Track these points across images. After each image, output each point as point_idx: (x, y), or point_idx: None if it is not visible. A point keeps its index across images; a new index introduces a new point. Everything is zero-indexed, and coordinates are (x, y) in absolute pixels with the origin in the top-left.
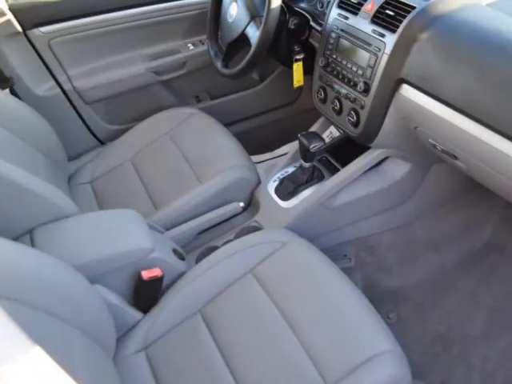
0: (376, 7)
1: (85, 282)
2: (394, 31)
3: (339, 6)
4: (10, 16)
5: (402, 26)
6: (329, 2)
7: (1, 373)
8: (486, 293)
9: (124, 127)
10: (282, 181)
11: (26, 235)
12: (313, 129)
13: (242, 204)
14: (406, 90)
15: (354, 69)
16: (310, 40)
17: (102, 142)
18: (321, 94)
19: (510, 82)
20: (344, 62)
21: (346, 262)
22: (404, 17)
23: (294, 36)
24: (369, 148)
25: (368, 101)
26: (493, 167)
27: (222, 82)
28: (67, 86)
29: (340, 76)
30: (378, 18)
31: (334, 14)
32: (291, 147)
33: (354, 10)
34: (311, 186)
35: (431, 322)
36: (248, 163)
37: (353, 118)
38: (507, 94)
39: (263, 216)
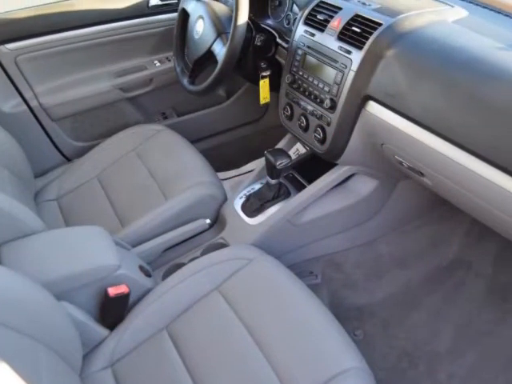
0: (342, 24)
1: (51, 298)
2: (360, 48)
3: (306, 23)
4: None
5: (368, 43)
6: (295, 19)
7: None
8: (452, 309)
9: (90, 144)
10: (248, 197)
11: None
12: (279, 145)
13: (208, 221)
14: (373, 107)
15: (321, 85)
16: (277, 57)
17: (69, 159)
18: (287, 111)
19: (476, 98)
20: (310, 79)
21: (313, 278)
22: (370, 34)
23: (260, 53)
24: (335, 165)
25: (334, 118)
26: (459, 184)
27: (189, 99)
28: (33, 103)
29: (306, 93)
30: (345, 35)
31: (301, 30)
32: (257, 164)
33: (321, 26)
34: (277, 202)
35: (397, 339)
36: (214, 180)
37: (319, 134)
38: (473, 111)
39: (230, 233)
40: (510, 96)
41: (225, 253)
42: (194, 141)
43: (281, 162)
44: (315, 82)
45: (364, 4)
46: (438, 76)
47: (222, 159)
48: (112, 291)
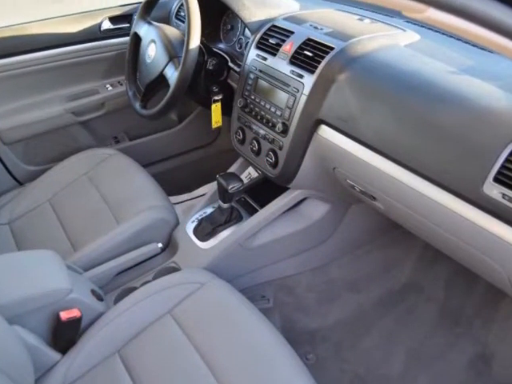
0: (294, 48)
1: (3, 322)
2: (312, 72)
3: (258, 47)
4: None
5: (320, 67)
6: (247, 43)
7: None
8: (404, 333)
9: (43, 168)
10: (200, 221)
11: None
12: (231, 169)
13: (160, 245)
14: (325, 131)
15: (273, 109)
16: (229, 81)
17: (21, 183)
18: (239, 135)
19: (427, 122)
20: (262, 103)
21: (265, 302)
22: (322, 58)
23: (212, 77)
24: (287, 189)
25: (286, 142)
26: (410, 207)
27: (141, 123)
28: None
29: (258, 117)
30: (297, 59)
31: (253, 54)
32: (210, 188)
33: (273, 50)
34: (229, 226)
35: (349, 363)
36: (166, 204)
37: (271, 158)
38: (424, 135)
39: (182, 257)
40: (461, 120)
41: (177, 277)
42: (146, 165)
43: (233, 186)
44: (267, 106)
45: (316, 28)
46: (390, 100)
47: (174, 183)
48: (64, 315)
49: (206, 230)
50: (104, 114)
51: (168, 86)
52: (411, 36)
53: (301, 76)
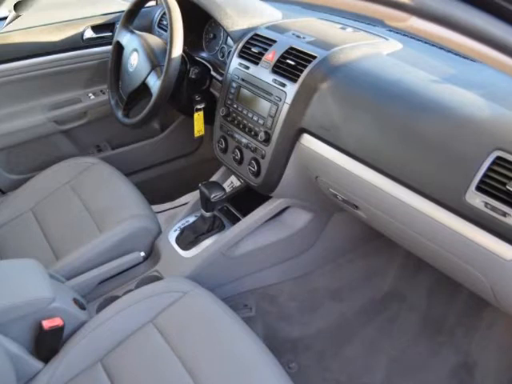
0: (277, 57)
1: None
2: (294, 81)
3: (240, 56)
4: None
5: (302, 76)
6: (230, 52)
7: None
8: (386, 342)
9: (25, 177)
10: (182, 230)
11: None
12: (214, 178)
13: (142, 254)
14: (307, 140)
15: (255, 118)
16: (211, 89)
17: (3, 192)
18: (221, 144)
19: (410, 131)
20: (245, 112)
21: (247, 311)
22: (305, 66)
23: (194, 85)
24: (270, 197)
25: (269, 150)
26: (393, 216)
27: (123, 132)
28: None
29: (241, 125)
30: (279, 68)
31: (235, 63)
32: (192, 197)
33: (255, 59)
34: (212, 235)
35: (332, 372)
36: (149, 213)
37: (254, 167)
38: (407, 144)
39: (164, 266)
40: (443, 129)
41: (159, 286)
42: (128, 173)
43: (215, 195)
44: (249, 115)
45: (298, 37)
46: (373, 109)
47: (156, 192)
48: (46, 324)
49: (188, 238)
50: (86, 122)
51: (150, 94)
52: (394, 45)
53: (283, 85)
